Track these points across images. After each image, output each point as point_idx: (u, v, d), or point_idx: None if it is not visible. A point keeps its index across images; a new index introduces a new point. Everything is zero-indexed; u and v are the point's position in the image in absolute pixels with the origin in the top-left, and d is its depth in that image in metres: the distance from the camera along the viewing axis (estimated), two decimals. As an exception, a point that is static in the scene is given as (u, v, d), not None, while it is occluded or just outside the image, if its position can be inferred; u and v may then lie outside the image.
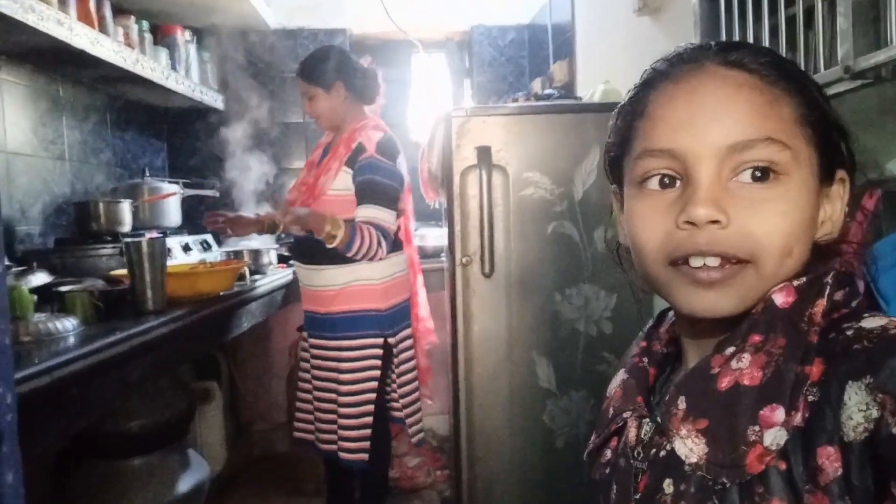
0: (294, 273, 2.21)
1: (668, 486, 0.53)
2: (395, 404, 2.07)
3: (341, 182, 1.95)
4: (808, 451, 0.45)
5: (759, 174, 0.51)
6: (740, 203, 0.50)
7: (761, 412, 0.48)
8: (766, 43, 1.27)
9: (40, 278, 1.57)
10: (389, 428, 2.13)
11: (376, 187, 1.92)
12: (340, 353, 1.96)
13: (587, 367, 1.86)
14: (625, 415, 0.61)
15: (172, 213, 2.61)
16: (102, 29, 2.03)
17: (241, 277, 2.09)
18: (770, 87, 0.52)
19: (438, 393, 2.38)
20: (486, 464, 1.86)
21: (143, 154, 2.91)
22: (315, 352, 2.02)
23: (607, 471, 0.62)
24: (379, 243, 1.90)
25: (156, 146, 3.05)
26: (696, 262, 0.51)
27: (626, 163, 0.58)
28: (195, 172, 3.07)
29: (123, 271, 1.66)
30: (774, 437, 0.47)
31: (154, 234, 2.26)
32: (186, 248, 2.43)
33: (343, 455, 1.94)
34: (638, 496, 0.56)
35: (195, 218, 2.84)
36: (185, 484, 1.88)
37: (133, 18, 2.33)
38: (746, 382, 0.49)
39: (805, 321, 0.50)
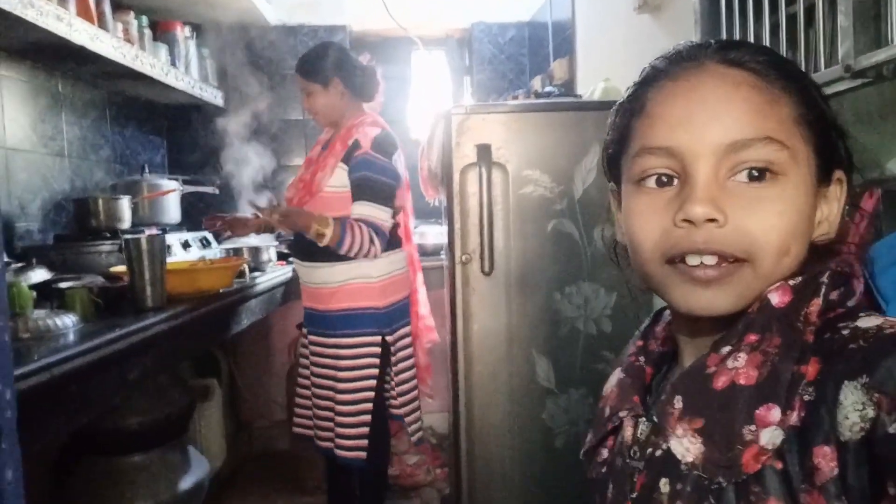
0: (294, 270, 2.21)
1: (664, 485, 0.53)
2: (394, 402, 2.07)
3: (338, 179, 1.94)
4: (804, 451, 0.45)
5: (757, 174, 0.51)
6: (738, 202, 0.50)
7: (757, 411, 0.48)
8: (766, 41, 1.27)
9: (40, 275, 1.56)
10: (389, 425, 2.13)
11: (371, 184, 1.91)
12: (338, 350, 1.95)
13: (587, 365, 1.85)
14: (621, 414, 0.60)
15: (172, 209, 2.60)
16: (102, 25, 2.02)
17: (241, 274, 2.09)
18: (769, 86, 0.52)
19: (438, 391, 2.38)
20: (486, 462, 1.86)
21: (142, 150, 2.90)
22: (314, 349, 2.02)
23: (604, 470, 0.62)
24: (371, 241, 1.89)
25: (155, 142, 3.05)
26: (693, 260, 0.51)
27: (624, 161, 0.58)
28: (195, 169, 3.07)
29: (123, 268, 1.66)
30: (770, 437, 0.47)
31: (153, 231, 2.26)
32: (186, 245, 2.43)
33: (340, 453, 1.94)
34: (634, 495, 0.56)
35: (195, 214, 2.84)
36: (184, 481, 1.88)
37: (132, 14, 2.32)
38: (742, 382, 0.49)
39: (801, 321, 0.50)
